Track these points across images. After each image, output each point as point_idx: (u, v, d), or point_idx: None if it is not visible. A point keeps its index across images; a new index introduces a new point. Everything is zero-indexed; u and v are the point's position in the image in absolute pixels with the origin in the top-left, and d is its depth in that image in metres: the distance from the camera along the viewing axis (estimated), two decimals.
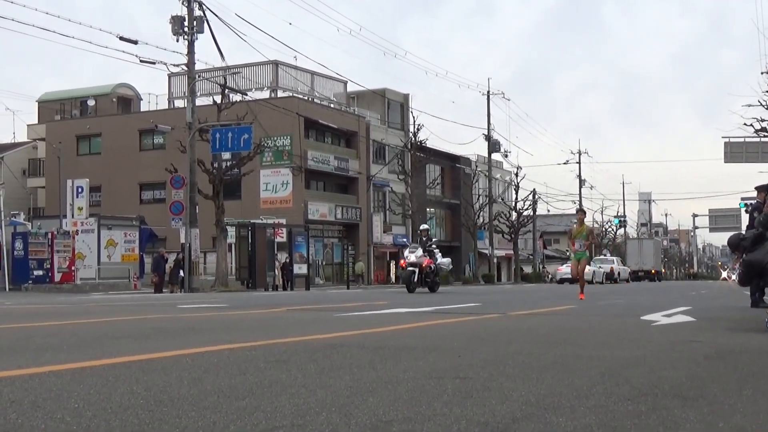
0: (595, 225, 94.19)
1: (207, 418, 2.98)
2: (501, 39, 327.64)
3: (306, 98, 52.71)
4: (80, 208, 36.78)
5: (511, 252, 68.90)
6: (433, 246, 23.88)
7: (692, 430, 2.86)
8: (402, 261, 24.44)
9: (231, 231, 37.08)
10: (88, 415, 3.04)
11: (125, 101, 60.38)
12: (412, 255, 23.11)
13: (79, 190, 36.98)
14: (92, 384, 3.80)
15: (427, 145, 54.99)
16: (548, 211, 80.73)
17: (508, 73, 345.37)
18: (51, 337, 6.63)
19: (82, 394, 3.51)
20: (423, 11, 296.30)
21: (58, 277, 34.16)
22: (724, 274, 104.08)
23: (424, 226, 25.36)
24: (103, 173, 51.85)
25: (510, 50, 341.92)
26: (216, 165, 35.82)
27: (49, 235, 34.59)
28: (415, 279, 22.70)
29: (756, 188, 14.10)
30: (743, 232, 9.83)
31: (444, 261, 24.57)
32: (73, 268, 34.77)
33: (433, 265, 23.28)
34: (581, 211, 20.11)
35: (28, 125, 61.46)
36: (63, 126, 56.37)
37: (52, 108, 59.50)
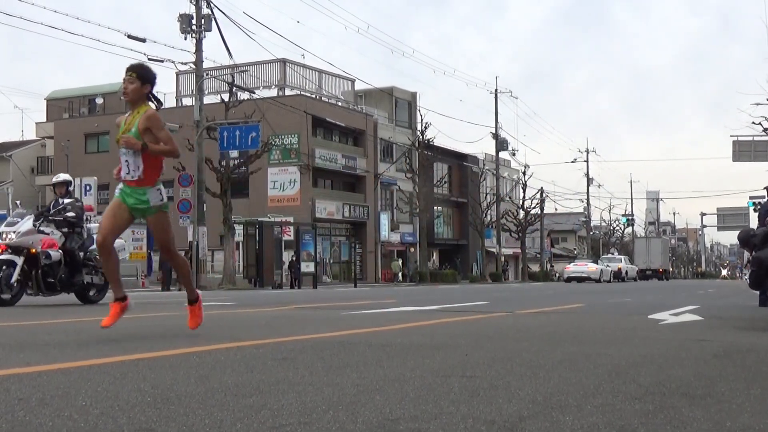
0: (603, 223, 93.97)
1: (214, 416, 2.99)
2: (510, 37, 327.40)
3: (314, 96, 52.75)
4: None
5: (519, 250, 68.82)
6: (69, 213, 12.77)
7: (699, 429, 2.85)
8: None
9: (238, 229, 37.15)
10: (96, 412, 3.05)
11: None
12: (11, 230, 12.40)
13: (88, 188, 37.07)
14: (100, 381, 3.81)
15: (435, 144, 54.99)
16: (556, 209, 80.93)
17: (516, 71, 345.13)
18: (59, 335, 6.65)
19: (90, 391, 3.52)
20: (432, 9, 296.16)
21: None
22: (724, 272, 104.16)
23: (61, 177, 13.46)
24: (112, 171, 51.84)
25: (519, 48, 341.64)
26: (224, 163, 35.89)
27: None
28: (14, 278, 12.09)
29: (766, 188, 14.08)
30: (755, 228, 9.80)
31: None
32: None
33: (55, 251, 12.56)
34: (131, 72, 6.59)
35: (36, 123, 61.74)
36: (71, 124, 56.52)
37: (60, 106, 59.67)
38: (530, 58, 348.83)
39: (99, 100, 58.35)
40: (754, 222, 16.78)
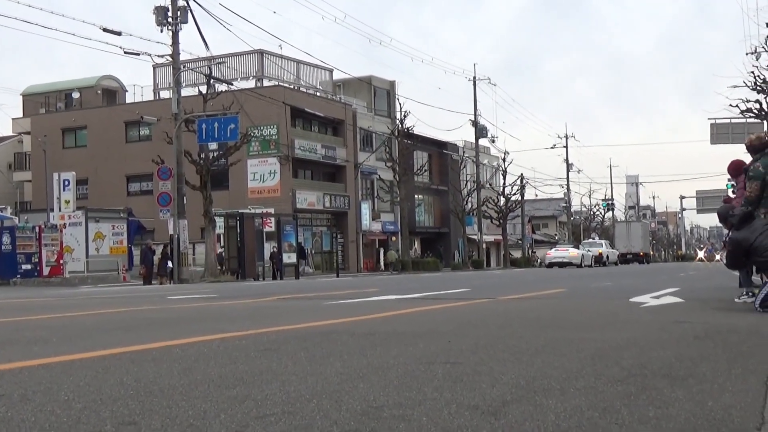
0: (583, 208, 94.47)
1: (197, 408, 2.98)
2: (489, 25, 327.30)
3: (292, 87, 52.56)
4: (67, 201, 36.63)
5: (500, 237, 69.00)
6: None
7: (681, 409, 2.87)
8: None
9: (219, 221, 37.02)
10: (78, 407, 3.03)
11: (110, 93, 60.08)
12: None
13: (66, 183, 36.82)
14: (82, 376, 3.79)
15: (414, 132, 54.93)
16: (536, 195, 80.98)
17: (496, 60, 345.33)
18: (40, 330, 6.61)
19: (72, 386, 3.50)
20: None
21: (46, 270, 34.01)
22: (701, 254, 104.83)
23: None
24: (90, 166, 51.62)
25: (498, 36, 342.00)
26: (203, 155, 35.70)
27: (37, 229, 34.44)
28: None
29: (744, 169, 14.13)
30: (734, 205, 9.83)
31: None
32: (61, 261, 34.64)
33: None
34: None
35: (12, 119, 61.19)
36: (48, 119, 56.07)
37: (36, 101, 59.15)
38: (509, 46, 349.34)
39: (75, 95, 57.84)
40: None
